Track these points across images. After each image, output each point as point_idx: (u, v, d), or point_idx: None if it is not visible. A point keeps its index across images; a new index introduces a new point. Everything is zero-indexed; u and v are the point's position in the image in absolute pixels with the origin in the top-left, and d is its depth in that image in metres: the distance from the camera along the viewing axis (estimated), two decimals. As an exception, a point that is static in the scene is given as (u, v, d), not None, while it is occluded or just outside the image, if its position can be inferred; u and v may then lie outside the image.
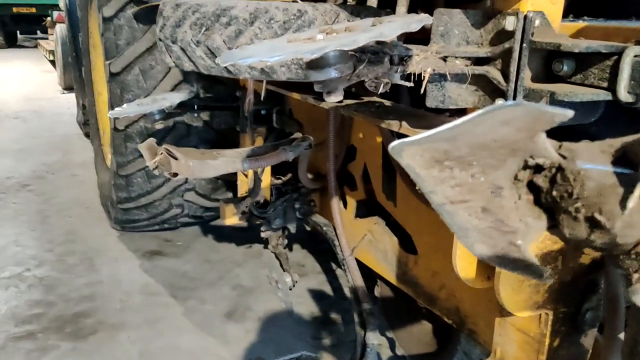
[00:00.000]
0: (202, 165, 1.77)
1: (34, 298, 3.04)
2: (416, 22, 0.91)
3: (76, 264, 3.44)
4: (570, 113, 0.49)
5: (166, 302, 3.06)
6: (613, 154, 0.56)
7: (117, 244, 3.71)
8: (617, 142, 0.56)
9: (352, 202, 2.43)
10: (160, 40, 1.71)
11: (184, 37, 1.60)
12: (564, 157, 0.56)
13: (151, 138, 1.94)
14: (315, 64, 0.97)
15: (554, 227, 0.60)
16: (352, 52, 1.14)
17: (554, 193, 0.57)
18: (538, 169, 0.57)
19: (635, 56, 0.89)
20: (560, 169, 0.56)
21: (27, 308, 2.94)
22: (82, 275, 3.30)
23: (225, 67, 1.55)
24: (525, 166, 0.57)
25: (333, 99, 1.04)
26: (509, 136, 0.53)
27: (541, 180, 0.57)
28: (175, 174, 1.79)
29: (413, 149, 0.52)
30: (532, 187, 0.59)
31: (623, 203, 0.53)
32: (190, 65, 1.64)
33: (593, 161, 0.55)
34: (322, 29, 1.03)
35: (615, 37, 1.29)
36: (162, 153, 1.81)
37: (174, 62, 1.67)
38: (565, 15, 1.85)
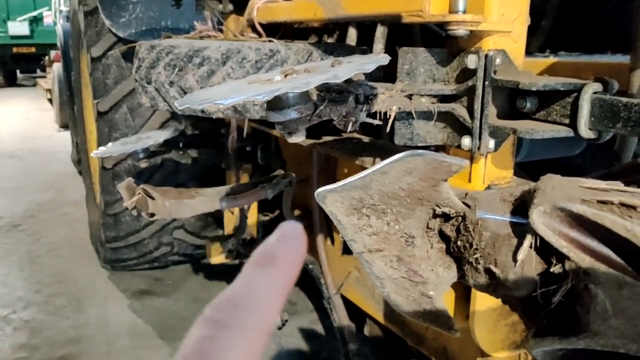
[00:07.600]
0: (179, 205, 1.75)
1: (19, 342, 2.98)
2: (373, 62, 0.90)
3: (64, 305, 3.38)
4: (465, 163, 0.48)
5: (153, 344, 2.99)
6: (513, 202, 0.54)
7: (106, 284, 3.65)
8: (517, 191, 0.54)
9: (338, 239, 2.39)
10: (136, 81, 1.71)
11: (158, 78, 1.61)
12: (468, 206, 0.54)
13: (129, 178, 1.92)
14: (275, 105, 0.95)
15: (463, 277, 0.58)
16: (317, 92, 1.13)
17: (459, 243, 0.55)
18: (447, 217, 0.55)
19: (594, 93, 0.88)
20: (464, 218, 0.54)
21: (12, 352, 2.88)
22: (69, 317, 3.24)
23: (199, 107, 1.55)
24: (435, 215, 0.55)
25: (295, 139, 1.02)
26: (413, 185, 0.51)
27: (449, 230, 0.56)
28: (153, 214, 1.76)
29: (334, 196, 0.51)
30: (443, 236, 0.57)
31: (514, 255, 0.51)
32: (164, 105, 1.63)
33: (492, 210, 0.53)
34: (283, 70, 1.02)
35: (585, 73, 1.28)
36: (139, 193, 1.79)
37: (149, 102, 1.67)
38: (542, 50, 1.86)
